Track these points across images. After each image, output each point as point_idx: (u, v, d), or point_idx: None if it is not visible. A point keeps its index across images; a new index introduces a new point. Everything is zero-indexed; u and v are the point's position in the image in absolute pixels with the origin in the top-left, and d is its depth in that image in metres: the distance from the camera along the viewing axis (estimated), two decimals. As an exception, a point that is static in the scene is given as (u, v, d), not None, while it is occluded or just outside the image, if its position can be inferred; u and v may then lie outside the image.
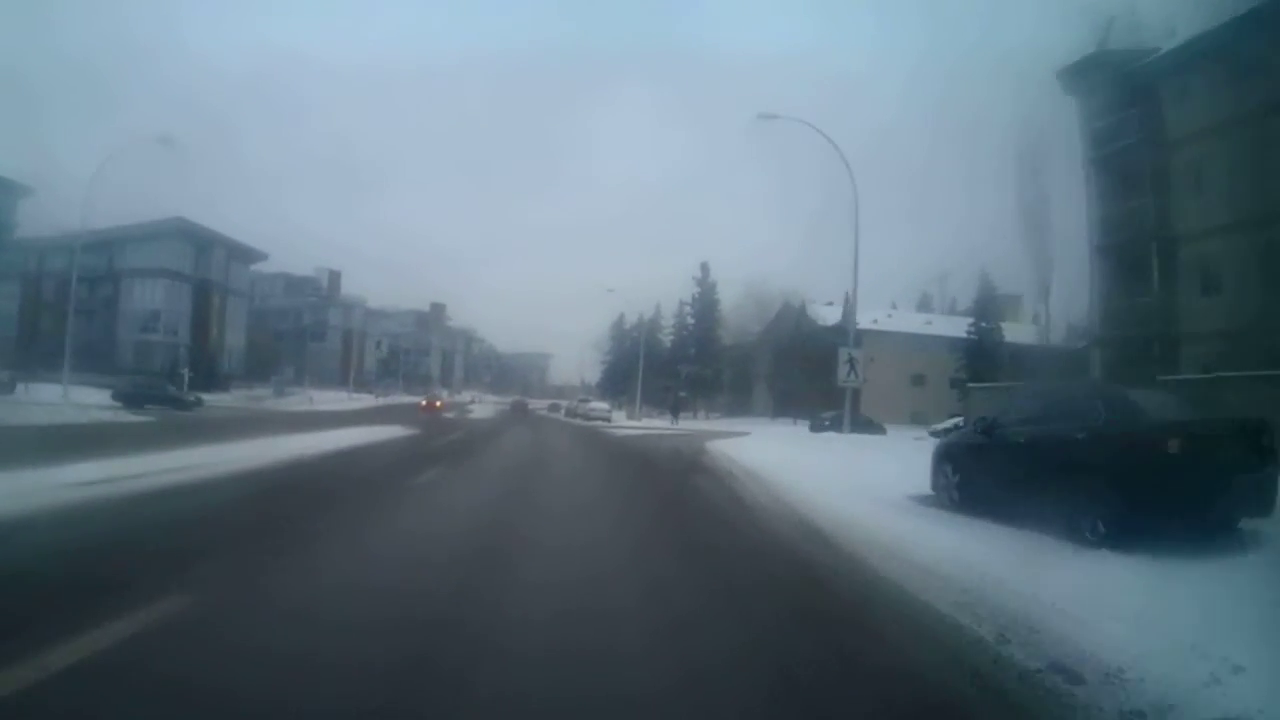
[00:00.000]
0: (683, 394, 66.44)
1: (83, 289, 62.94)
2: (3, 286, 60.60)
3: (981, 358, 61.63)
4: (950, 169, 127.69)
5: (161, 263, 61.89)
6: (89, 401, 33.72)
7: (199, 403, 37.24)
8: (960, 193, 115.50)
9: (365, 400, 70.14)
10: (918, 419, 56.29)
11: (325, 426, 23.85)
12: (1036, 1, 69.88)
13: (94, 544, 6.20)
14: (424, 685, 3.58)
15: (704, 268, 71.55)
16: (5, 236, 53.49)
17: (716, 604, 5.50)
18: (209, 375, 59.58)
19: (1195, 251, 25.59)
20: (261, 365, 70.57)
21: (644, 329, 70.30)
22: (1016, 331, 63.60)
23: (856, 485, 11.38)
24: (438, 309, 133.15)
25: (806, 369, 61.95)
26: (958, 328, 64.53)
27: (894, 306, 73.66)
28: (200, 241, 64.48)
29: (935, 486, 10.33)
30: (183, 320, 63.34)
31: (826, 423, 40.03)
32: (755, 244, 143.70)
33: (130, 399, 35.78)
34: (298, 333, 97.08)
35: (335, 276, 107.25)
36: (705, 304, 71.55)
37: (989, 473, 9.18)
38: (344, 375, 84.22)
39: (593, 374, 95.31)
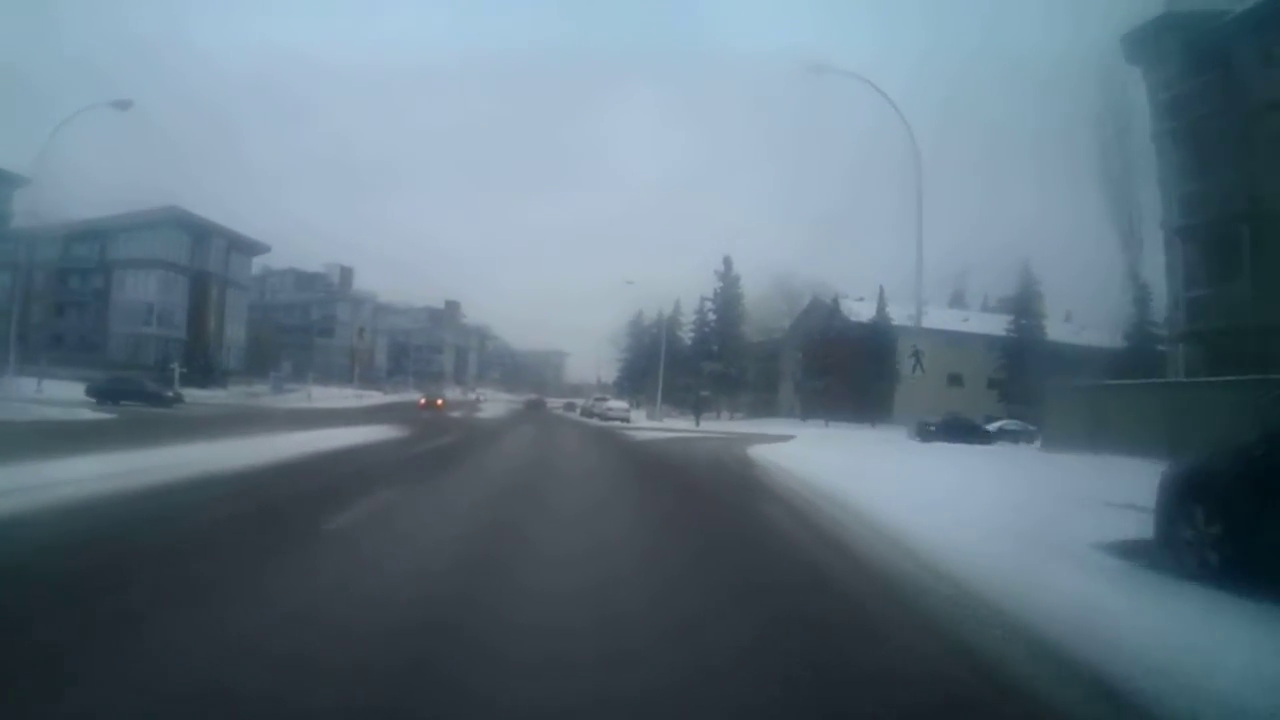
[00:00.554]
0: (705, 393, 62.89)
1: (74, 280, 60.71)
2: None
3: (1022, 357, 58.08)
4: (972, 158, 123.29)
5: (155, 253, 58.64)
6: (63, 396, 31.81)
7: (178, 399, 34.50)
8: (990, 182, 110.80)
9: (372, 397, 67.05)
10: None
11: (302, 427, 20.61)
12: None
13: None
14: None
15: (726, 261, 67.92)
16: (3, 227, 51.72)
17: None
18: (205, 370, 56.74)
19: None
20: (265, 361, 67.50)
21: (664, 325, 66.70)
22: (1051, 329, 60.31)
23: (1004, 525, 7.71)
24: (452, 306, 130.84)
25: (839, 367, 58.51)
26: (995, 325, 60.97)
27: (925, 304, 69.63)
28: (197, 231, 61.21)
29: (1164, 539, 6.50)
30: (178, 313, 60.25)
31: (932, 429, 36.17)
32: (775, 240, 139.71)
33: (104, 394, 33.91)
34: (305, 328, 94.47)
35: (347, 272, 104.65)
36: (728, 299, 67.92)
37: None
38: (354, 371, 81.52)
39: (609, 372, 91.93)
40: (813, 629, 4.87)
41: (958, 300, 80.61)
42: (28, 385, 35.03)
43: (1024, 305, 61.21)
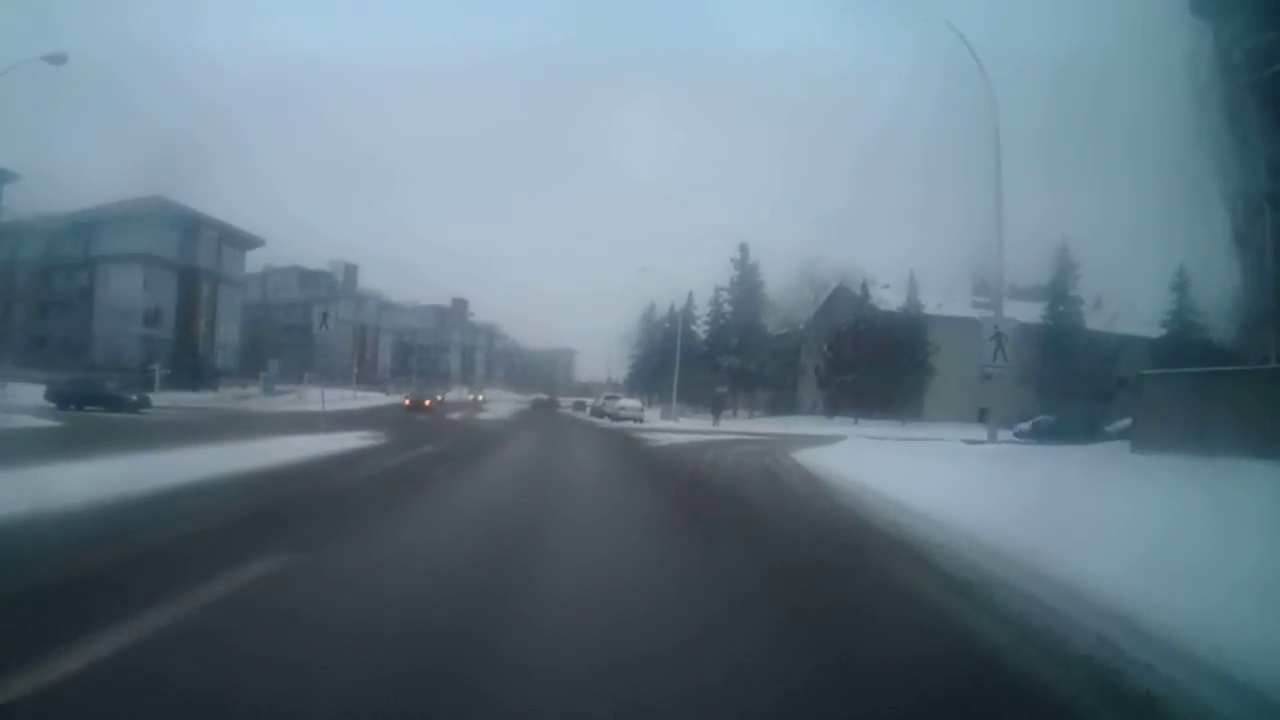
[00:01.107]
0: (722, 390, 59.28)
1: (57, 277, 57.65)
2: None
3: (1060, 346, 54.38)
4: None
5: (138, 247, 55.20)
6: (22, 402, 29.34)
7: (144, 404, 31.38)
8: (1019, 163, 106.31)
9: (372, 399, 63.82)
10: (985, 417, 48.68)
11: (249, 436, 17.36)
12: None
13: None
14: None
15: (743, 248, 64.10)
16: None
17: None
18: (193, 371, 53.63)
19: None
20: (262, 361, 64.49)
21: (679, 318, 63.04)
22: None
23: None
24: (459, 304, 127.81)
25: (868, 361, 54.91)
26: (1028, 314, 57.09)
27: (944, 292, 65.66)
28: (185, 224, 57.74)
29: None
30: (165, 311, 56.98)
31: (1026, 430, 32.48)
32: (794, 227, 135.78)
33: (64, 398, 31.20)
34: (307, 327, 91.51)
35: (351, 270, 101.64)
36: (745, 288, 63.97)
37: None
38: (353, 371, 78.37)
39: (619, 371, 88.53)
40: None
41: (982, 289, 76.75)
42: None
43: (1060, 291, 57.56)
